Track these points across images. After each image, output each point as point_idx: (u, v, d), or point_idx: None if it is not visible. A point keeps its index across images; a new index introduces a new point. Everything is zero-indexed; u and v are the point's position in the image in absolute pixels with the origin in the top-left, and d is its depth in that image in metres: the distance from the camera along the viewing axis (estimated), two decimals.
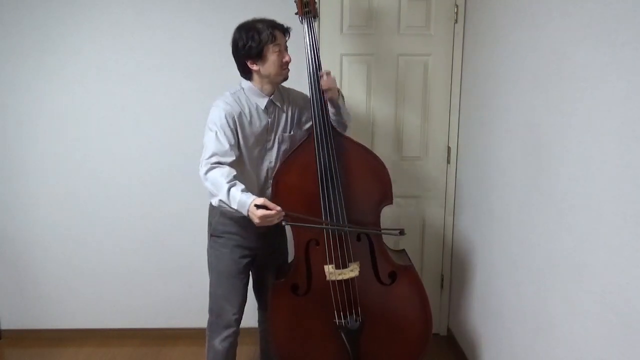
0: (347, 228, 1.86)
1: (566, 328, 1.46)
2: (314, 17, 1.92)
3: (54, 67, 2.50)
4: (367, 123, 2.55)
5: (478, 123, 2.27)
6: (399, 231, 1.83)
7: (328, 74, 1.89)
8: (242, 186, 1.67)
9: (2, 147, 2.59)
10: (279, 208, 1.63)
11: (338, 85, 2.47)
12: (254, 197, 1.63)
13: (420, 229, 2.67)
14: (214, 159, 1.71)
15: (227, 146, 1.73)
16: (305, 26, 1.91)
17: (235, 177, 1.68)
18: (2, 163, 2.60)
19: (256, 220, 1.61)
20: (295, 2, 1.93)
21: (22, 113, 2.55)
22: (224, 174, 1.67)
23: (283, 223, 1.68)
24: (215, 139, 1.73)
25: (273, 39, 1.76)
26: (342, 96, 2.00)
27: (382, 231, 1.98)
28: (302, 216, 1.78)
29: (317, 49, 1.89)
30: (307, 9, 1.90)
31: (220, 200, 1.65)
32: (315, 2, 1.93)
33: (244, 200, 1.62)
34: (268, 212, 1.61)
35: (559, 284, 1.50)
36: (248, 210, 1.62)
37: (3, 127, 2.57)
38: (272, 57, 1.78)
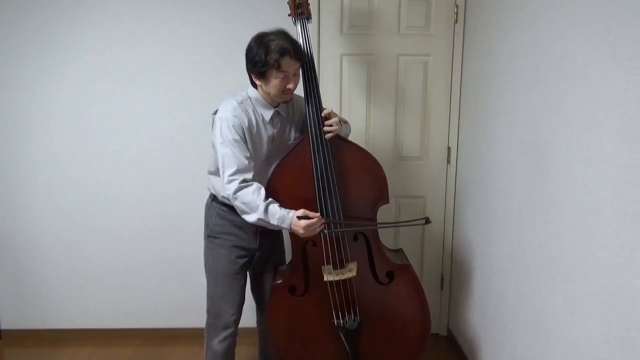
0: (385, 226, 1.91)
1: (566, 328, 1.46)
2: (307, 19, 1.91)
3: (54, 67, 2.50)
4: (367, 123, 2.55)
5: (478, 123, 2.27)
6: (424, 220, 1.83)
7: (329, 115, 1.84)
8: (278, 202, 1.73)
9: (2, 146, 2.59)
10: (318, 215, 1.70)
11: (337, 87, 2.49)
12: (292, 210, 1.70)
13: (420, 229, 2.66)
14: (239, 177, 1.71)
15: (245, 160, 1.73)
16: (299, 27, 1.90)
17: (267, 195, 1.73)
18: (1, 163, 2.61)
19: (301, 232, 1.68)
20: (288, 3, 1.93)
21: (22, 113, 2.55)
22: (255, 191, 1.71)
23: (325, 231, 1.76)
24: (232, 155, 1.72)
25: (277, 66, 1.69)
26: (344, 120, 1.98)
27: (408, 223, 2.03)
28: (339, 220, 1.82)
29: (311, 51, 1.88)
30: (299, 10, 1.90)
31: (259, 218, 1.69)
32: (308, 4, 1.92)
33: (283, 215, 1.69)
34: (310, 221, 1.67)
35: (559, 284, 1.50)
36: (291, 224, 1.68)
37: (3, 126, 2.57)
38: (274, 81, 1.73)
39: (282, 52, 1.67)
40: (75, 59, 2.50)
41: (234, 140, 1.73)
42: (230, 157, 1.72)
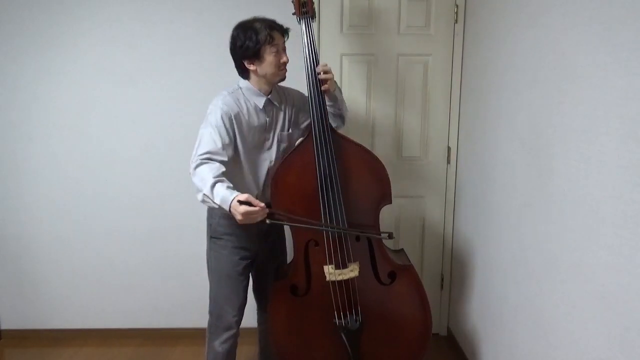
0: (333, 229, 1.84)
1: (566, 328, 1.46)
2: (312, 17, 1.92)
3: (54, 67, 2.50)
4: (367, 123, 2.55)
5: (478, 123, 2.27)
6: (387, 234, 1.84)
7: (324, 65, 1.88)
8: (229, 183, 1.64)
9: (2, 146, 2.59)
10: (262, 205, 1.59)
11: (338, 86, 2.49)
12: (237, 193, 1.59)
13: (420, 229, 2.67)
14: (206, 156, 1.70)
15: (219, 145, 1.72)
16: (303, 26, 1.91)
17: (223, 174, 1.66)
18: (1, 163, 2.60)
19: (238, 217, 1.57)
20: (292, 2, 1.93)
21: (22, 113, 2.55)
22: (212, 169, 1.65)
23: (267, 221, 1.63)
24: (209, 138, 1.72)
25: (270, 40, 1.75)
26: (339, 88, 2.01)
27: (368, 234, 1.91)
28: (289, 215, 1.78)
29: (315, 49, 1.89)
30: (304, 9, 1.91)
31: (204, 194, 1.61)
32: (312, 3, 1.92)
33: (226, 196, 1.58)
34: (251, 208, 1.56)
35: (559, 284, 1.50)
36: (230, 206, 1.58)
37: (3, 126, 2.57)
38: (269, 58, 1.77)
39: (270, 27, 1.77)
40: (76, 59, 2.50)
41: (217, 125, 1.74)
42: (207, 139, 1.72)
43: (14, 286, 2.73)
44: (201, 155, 1.70)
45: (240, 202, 1.56)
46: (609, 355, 1.25)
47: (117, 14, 2.46)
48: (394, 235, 1.84)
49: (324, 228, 1.85)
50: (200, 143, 1.74)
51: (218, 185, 1.61)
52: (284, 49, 1.83)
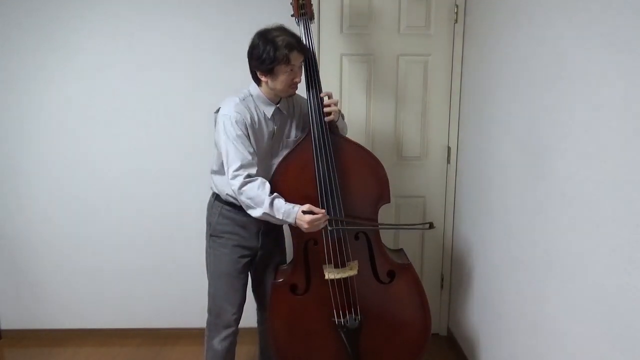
0: (387, 227, 1.95)
1: (566, 328, 1.46)
2: (310, 19, 1.92)
3: (54, 66, 2.50)
4: (367, 123, 2.55)
5: (478, 123, 2.27)
6: (428, 225, 1.85)
7: (330, 96, 1.87)
8: (282, 198, 1.74)
9: (2, 146, 2.59)
10: (323, 211, 1.73)
11: (337, 87, 2.49)
12: (299, 205, 1.72)
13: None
14: (243, 172, 1.73)
15: (249, 156, 1.75)
16: (302, 28, 1.91)
17: (271, 189, 1.75)
18: (1, 162, 2.61)
19: (305, 226, 1.70)
20: (291, 4, 1.93)
21: (21, 112, 2.55)
22: (260, 186, 1.73)
23: (329, 228, 1.78)
24: (236, 150, 1.74)
25: (287, 61, 1.71)
26: (342, 115, 2.00)
27: (412, 226, 2.09)
28: (343, 218, 1.83)
29: (314, 50, 1.89)
30: (303, 11, 1.91)
31: (265, 212, 1.71)
32: (311, 4, 1.93)
33: (289, 210, 1.71)
34: (315, 216, 1.70)
35: (559, 284, 1.50)
36: (296, 218, 1.71)
37: (3, 126, 2.57)
38: (282, 77, 1.76)
39: (290, 47, 1.71)
40: (75, 59, 2.49)
41: (237, 135, 1.75)
42: (234, 152, 1.74)
43: (14, 286, 2.73)
44: (236, 171, 1.73)
45: (304, 212, 1.70)
46: (609, 355, 1.25)
47: (117, 13, 2.45)
48: (434, 225, 1.86)
49: (382, 227, 1.91)
50: (229, 158, 1.75)
51: (276, 201, 1.72)
52: (300, 68, 1.81)
